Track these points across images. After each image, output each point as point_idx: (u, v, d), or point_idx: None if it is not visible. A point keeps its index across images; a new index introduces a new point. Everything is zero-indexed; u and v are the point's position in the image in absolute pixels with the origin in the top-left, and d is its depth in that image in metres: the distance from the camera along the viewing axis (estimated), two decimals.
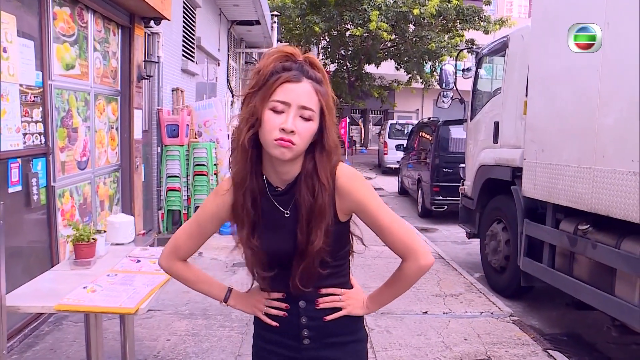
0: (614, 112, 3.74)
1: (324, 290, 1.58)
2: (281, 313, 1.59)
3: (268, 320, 1.61)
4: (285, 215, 1.51)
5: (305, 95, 1.40)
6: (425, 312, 4.85)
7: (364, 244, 1.64)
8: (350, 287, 1.65)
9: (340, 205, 1.50)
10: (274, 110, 1.38)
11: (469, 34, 19.11)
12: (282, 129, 1.37)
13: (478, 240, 6.51)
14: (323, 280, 1.55)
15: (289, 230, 1.49)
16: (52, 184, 4.29)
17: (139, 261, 3.02)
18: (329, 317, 1.58)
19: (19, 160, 3.81)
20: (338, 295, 1.59)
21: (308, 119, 1.40)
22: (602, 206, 3.76)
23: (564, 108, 4.36)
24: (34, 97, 4.02)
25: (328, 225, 1.46)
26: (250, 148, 1.44)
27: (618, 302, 3.68)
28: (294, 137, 1.38)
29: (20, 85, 3.80)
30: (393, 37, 18.08)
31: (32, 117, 4.00)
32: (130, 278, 2.68)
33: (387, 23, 17.31)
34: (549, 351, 4.09)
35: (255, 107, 1.41)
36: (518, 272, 5.14)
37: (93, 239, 2.95)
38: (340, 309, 1.59)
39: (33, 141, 4.02)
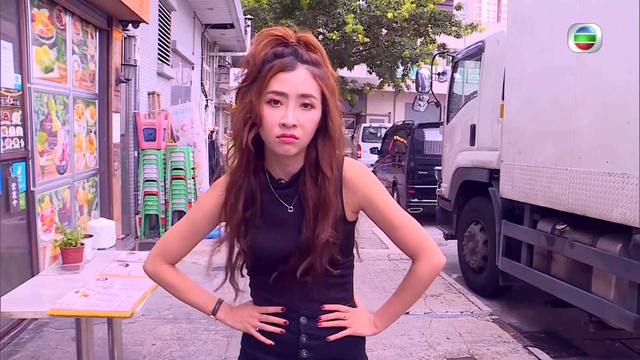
0: (589, 114, 3.86)
1: (327, 307, 1.42)
2: (279, 330, 1.42)
3: (262, 339, 1.43)
4: (289, 210, 1.38)
5: (303, 83, 1.27)
6: (407, 313, 4.87)
7: (359, 256, 1.50)
8: (354, 305, 1.50)
9: (348, 199, 1.39)
10: (271, 104, 1.27)
11: (441, 39, 19.35)
12: (283, 124, 1.26)
13: (455, 241, 6.62)
14: (327, 291, 1.42)
15: (292, 227, 1.37)
16: (32, 188, 4.23)
17: (127, 265, 3.01)
18: (332, 337, 1.42)
19: None
20: (343, 312, 1.44)
21: (309, 108, 1.29)
22: (579, 206, 3.87)
23: (540, 110, 4.48)
24: (14, 100, 3.97)
25: (336, 218, 1.35)
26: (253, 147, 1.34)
27: (595, 298, 3.79)
28: (296, 130, 1.27)
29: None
30: (367, 40, 18.18)
31: (11, 121, 3.94)
32: (121, 282, 2.67)
33: (361, 26, 17.44)
34: (529, 348, 4.18)
35: (251, 103, 1.29)
36: (496, 272, 5.24)
37: (81, 243, 2.93)
38: (344, 328, 1.44)
39: (13, 145, 3.96)
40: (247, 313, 1.46)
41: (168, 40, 9.08)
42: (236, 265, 1.44)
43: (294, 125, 1.26)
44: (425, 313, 4.93)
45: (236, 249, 1.41)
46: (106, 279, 2.72)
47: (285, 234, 1.37)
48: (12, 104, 3.96)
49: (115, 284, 2.64)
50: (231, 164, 1.39)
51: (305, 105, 1.28)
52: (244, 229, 1.38)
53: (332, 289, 1.43)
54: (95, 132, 5.76)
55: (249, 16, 16.27)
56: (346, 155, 1.43)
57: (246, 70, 1.31)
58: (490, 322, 4.76)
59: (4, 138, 3.84)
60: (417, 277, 1.46)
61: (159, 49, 8.54)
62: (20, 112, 4.06)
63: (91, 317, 2.52)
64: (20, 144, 4.07)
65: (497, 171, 5.18)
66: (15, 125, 4.01)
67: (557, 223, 4.27)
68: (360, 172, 1.42)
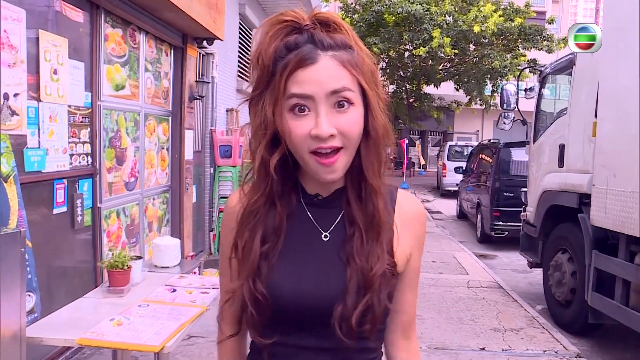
0: None
1: None
2: None
3: None
4: (323, 238, 1.05)
5: (331, 76, 0.95)
6: (483, 349, 4.50)
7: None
8: None
9: (403, 236, 1.08)
10: (295, 112, 0.96)
11: (531, 54, 18.54)
12: (316, 136, 0.95)
13: (540, 269, 6.11)
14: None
15: (327, 262, 1.03)
16: (98, 205, 4.25)
17: (174, 290, 2.88)
18: None
19: (65, 181, 3.78)
20: None
21: (347, 106, 0.96)
22: None
23: (639, 129, 3.98)
24: (82, 117, 4.01)
25: (390, 241, 1.05)
26: (277, 172, 1.02)
27: None
28: (335, 140, 0.95)
29: (69, 106, 3.79)
30: (456, 52, 17.68)
31: (79, 138, 3.97)
32: (162, 310, 2.53)
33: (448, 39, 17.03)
34: None
35: (266, 116, 0.98)
36: (585, 308, 4.73)
37: (128, 266, 2.83)
38: None
39: (79, 162, 3.99)
40: None
41: (248, 57, 9.14)
42: (255, 322, 1.03)
43: (332, 135, 0.95)
44: (503, 350, 4.50)
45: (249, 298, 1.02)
46: (148, 305, 2.60)
47: (318, 270, 1.03)
48: (81, 122, 4.00)
49: (156, 312, 2.50)
50: (249, 193, 1.06)
51: (340, 104, 0.96)
52: (259, 268, 1.02)
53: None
54: (167, 149, 5.80)
55: None
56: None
57: (257, 76, 1.00)
58: None
59: (72, 155, 3.87)
60: (419, 354, 1.20)
61: (239, 66, 8.61)
62: (88, 129, 4.09)
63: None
64: (87, 160, 4.10)
65: (588, 196, 4.68)
66: (84, 143, 4.04)
67: None
68: (421, 207, 1.14)
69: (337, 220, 1.06)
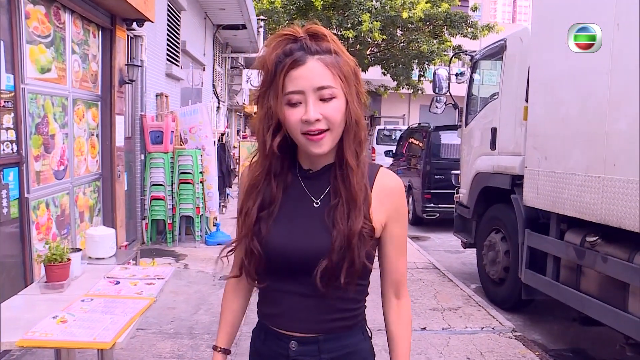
0: (625, 117, 3.52)
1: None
2: None
3: None
4: (315, 205, 1.30)
5: (316, 75, 1.20)
6: (424, 328, 4.60)
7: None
8: (366, 339, 1.40)
9: (379, 208, 1.30)
10: (291, 105, 1.22)
11: (456, 40, 19.03)
12: (306, 120, 1.20)
13: (473, 249, 6.31)
14: (336, 313, 1.30)
15: (317, 224, 1.27)
16: (26, 195, 3.99)
17: (118, 282, 2.74)
18: None
19: None
20: None
21: (330, 98, 1.21)
22: (613, 217, 3.54)
23: (569, 113, 4.15)
24: (5, 102, 3.73)
25: (367, 209, 1.27)
26: (279, 153, 1.29)
27: (632, 319, 3.46)
28: (321, 124, 1.21)
29: None
30: (384, 38, 17.89)
31: (2, 124, 3.70)
32: (108, 304, 2.40)
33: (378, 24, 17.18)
34: None
35: (271, 108, 1.25)
36: (518, 284, 4.93)
37: (67, 258, 2.66)
38: None
39: (3, 150, 3.72)
40: None
41: (177, 40, 8.85)
42: (250, 270, 1.32)
43: (318, 120, 1.21)
44: (443, 329, 4.61)
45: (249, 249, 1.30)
46: (92, 299, 2.46)
47: (307, 230, 1.28)
48: (3, 106, 3.72)
49: (101, 306, 2.37)
50: (253, 169, 1.34)
51: (325, 97, 1.21)
52: (259, 227, 1.29)
53: (342, 312, 1.32)
54: (97, 135, 5.52)
55: (262, 17, 16.04)
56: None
57: (262, 77, 1.27)
58: (513, 340, 4.44)
59: None
60: (408, 317, 1.42)
61: (168, 50, 8.32)
62: (12, 114, 3.82)
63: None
64: (12, 148, 3.83)
65: (520, 177, 4.85)
66: (7, 129, 3.77)
67: (588, 235, 3.94)
68: (397, 183, 1.36)
69: (326, 191, 1.30)
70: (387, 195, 1.33)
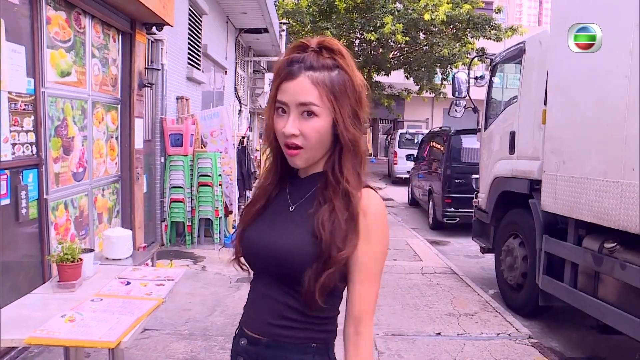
0: None
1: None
2: None
3: None
4: (290, 209, 1.34)
5: (301, 91, 1.23)
6: (439, 334, 4.56)
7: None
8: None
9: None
10: (279, 112, 1.28)
11: (480, 43, 18.89)
12: (283, 133, 1.26)
13: (492, 255, 6.24)
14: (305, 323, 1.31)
15: (285, 227, 1.32)
16: (45, 196, 4.07)
17: (128, 283, 2.78)
18: None
19: (7, 171, 3.59)
20: None
21: (312, 116, 1.24)
22: (632, 223, 3.47)
23: (587, 116, 4.08)
24: (25, 105, 3.81)
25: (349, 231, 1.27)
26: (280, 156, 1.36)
27: None
28: (297, 139, 1.25)
29: (10, 92, 3.59)
30: (407, 40, 17.82)
31: (22, 126, 3.78)
32: (116, 304, 2.43)
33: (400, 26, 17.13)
34: None
35: (267, 114, 1.34)
36: (536, 291, 4.86)
37: (79, 259, 2.71)
38: None
39: (23, 151, 3.80)
40: None
41: (199, 44, 8.94)
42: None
43: (294, 135, 1.24)
44: (458, 334, 4.57)
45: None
46: (101, 299, 2.50)
47: (276, 232, 1.32)
48: (24, 109, 3.80)
49: (110, 306, 2.40)
50: (265, 170, 1.42)
51: (306, 113, 1.24)
52: (244, 226, 1.39)
53: (291, 321, 1.30)
54: (116, 138, 5.61)
55: (284, 21, 16.12)
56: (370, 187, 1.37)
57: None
58: (529, 346, 4.37)
59: (14, 144, 3.68)
60: (368, 354, 1.28)
61: (189, 53, 8.40)
62: (32, 117, 3.90)
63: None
64: (32, 150, 3.91)
65: (539, 182, 4.78)
66: (27, 131, 3.85)
67: (606, 241, 3.87)
68: (375, 205, 1.29)
69: (306, 197, 1.32)
70: (362, 216, 1.27)
